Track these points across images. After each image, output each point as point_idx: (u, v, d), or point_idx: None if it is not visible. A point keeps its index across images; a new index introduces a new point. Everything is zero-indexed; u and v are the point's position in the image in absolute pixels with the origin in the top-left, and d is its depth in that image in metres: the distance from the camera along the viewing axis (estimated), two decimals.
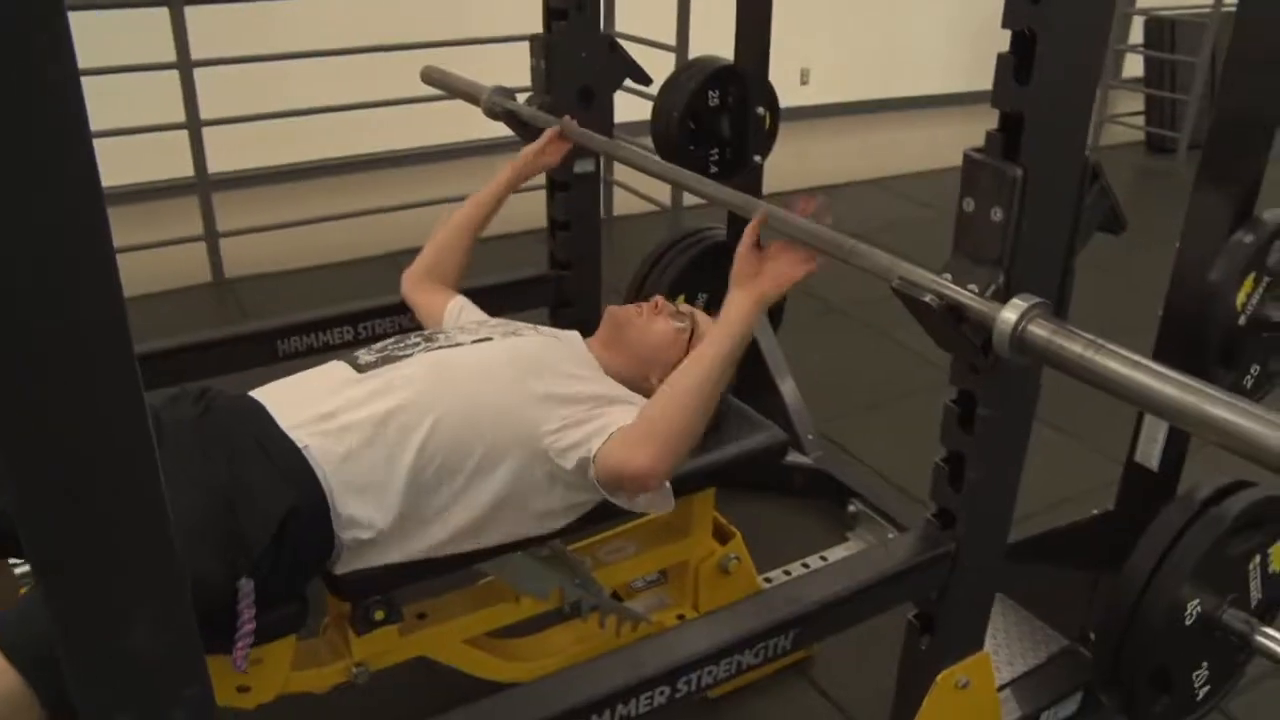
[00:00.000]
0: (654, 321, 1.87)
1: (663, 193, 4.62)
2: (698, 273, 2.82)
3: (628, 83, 2.52)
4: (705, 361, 1.53)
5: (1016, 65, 1.24)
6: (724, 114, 2.64)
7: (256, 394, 1.62)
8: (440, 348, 1.69)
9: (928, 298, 1.27)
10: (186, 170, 3.85)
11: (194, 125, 3.75)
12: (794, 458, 2.69)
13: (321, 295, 3.84)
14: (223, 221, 4.00)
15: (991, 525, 1.50)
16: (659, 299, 1.93)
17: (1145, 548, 1.72)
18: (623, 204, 4.91)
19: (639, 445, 1.49)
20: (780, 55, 7.18)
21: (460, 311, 2.02)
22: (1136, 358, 1.09)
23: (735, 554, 2.12)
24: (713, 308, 2.95)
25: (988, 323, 1.22)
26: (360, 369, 1.63)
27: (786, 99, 7.06)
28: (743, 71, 2.60)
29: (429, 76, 2.56)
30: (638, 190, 4.67)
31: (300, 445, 1.50)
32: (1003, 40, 1.26)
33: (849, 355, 3.65)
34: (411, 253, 4.10)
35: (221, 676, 1.50)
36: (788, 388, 2.74)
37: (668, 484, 1.57)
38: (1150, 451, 1.81)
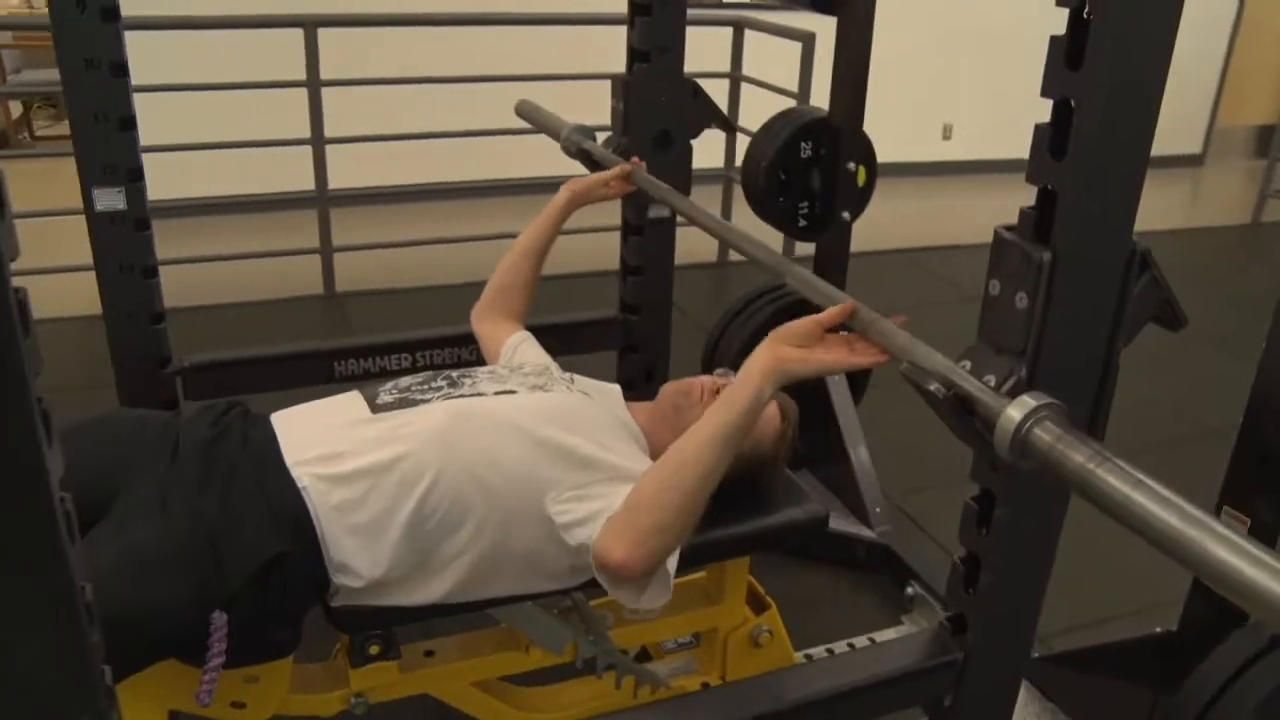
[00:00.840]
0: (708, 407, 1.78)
1: (775, 240, 4.54)
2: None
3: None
4: (693, 445, 1.40)
5: (1053, 137, 1.14)
6: (815, 167, 2.55)
7: (276, 418, 1.62)
8: (461, 396, 1.64)
9: (933, 386, 1.16)
10: (308, 185, 4.00)
11: (318, 142, 3.89)
12: (858, 530, 2.56)
13: (426, 316, 3.91)
14: (338, 237, 4.12)
15: (1008, 636, 1.37)
16: (719, 380, 1.81)
17: (1204, 677, 1.54)
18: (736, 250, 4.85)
19: (617, 536, 1.38)
20: (922, 109, 7.04)
21: (516, 349, 1.98)
22: (1141, 477, 0.96)
23: (768, 626, 2.01)
24: None
25: (992, 419, 1.11)
26: (375, 409, 1.60)
27: (927, 154, 6.92)
28: (836, 124, 2.50)
29: (521, 109, 2.57)
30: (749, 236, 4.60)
31: (300, 485, 1.48)
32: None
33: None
34: None
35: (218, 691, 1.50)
36: (860, 455, 2.62)
37: (668, 573, 1.46)
38: None
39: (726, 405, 1.41)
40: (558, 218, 2.12)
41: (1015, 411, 1.08)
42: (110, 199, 1.88)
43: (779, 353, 1.40)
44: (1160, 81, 1.11)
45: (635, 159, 2.12)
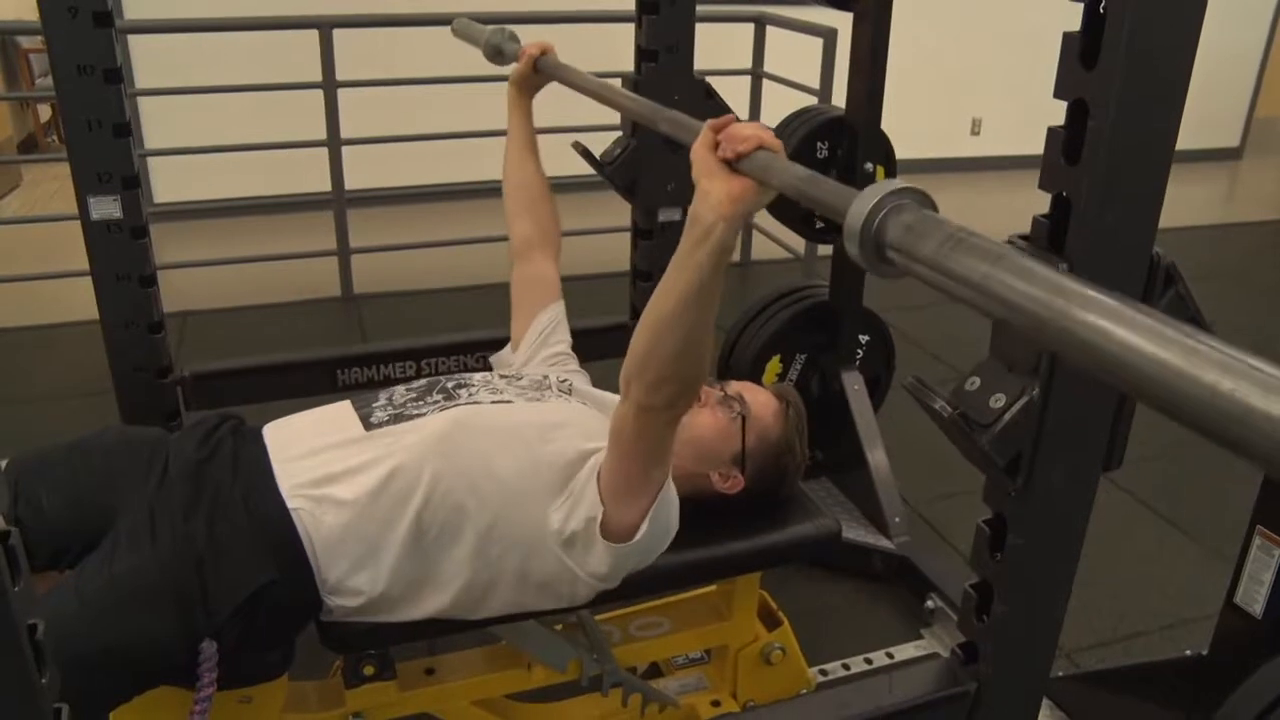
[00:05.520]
0: (698, 416, 1.70)
1: (798, 241, 4.48)
2: (795, 332, 2.66)
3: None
4: (670, 310, 1.24)
5: (1067, 141, 1.06)
6: (832, 168, 2.47)
7: (268, 433, 1.58)
8: (458, 405, 1.59)
9: (938, 405, 1.10)
10: (325, 186, 3.97)
11: (334, 143, 3.86)
12: (876, 541, 2.49)
13: (444, 317, 3.88)
14: (355, 238, 4.10)
15: (1023, 667, 1.29)
16: (709, 392, 1.75)
17: (1235, 709, 1.46)
18: (760, 249, 4.79)
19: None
20: (950, 104, 6.90)
21: (542, 333, 1.90)
22: (1004, 251, 0.73)
23: (780, 644, 1.94)
24: (811, 370, 2.78)
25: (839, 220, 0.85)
26: (369, 426, 1.55)
27: (956, 149, 6.80)
28: (853, 123, 2.42)
29: (457, 29, 2.36)
30: (774, 236, 4.55)
31: (291, 508, 1.44)
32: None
33: None
34: None
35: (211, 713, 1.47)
36: (878, 461, 2.54)
37: None
38: (1255, 593, 1.54)
39: (690, 266, 1.18)
40: (521, 112, 2.12)
41: (862, 204, 0.82)
42: (106, 207, 1.85)
43: (733, 188, 1.14)
44: (1183, 81, 1.04)
45: (548, 48, 2.01)
